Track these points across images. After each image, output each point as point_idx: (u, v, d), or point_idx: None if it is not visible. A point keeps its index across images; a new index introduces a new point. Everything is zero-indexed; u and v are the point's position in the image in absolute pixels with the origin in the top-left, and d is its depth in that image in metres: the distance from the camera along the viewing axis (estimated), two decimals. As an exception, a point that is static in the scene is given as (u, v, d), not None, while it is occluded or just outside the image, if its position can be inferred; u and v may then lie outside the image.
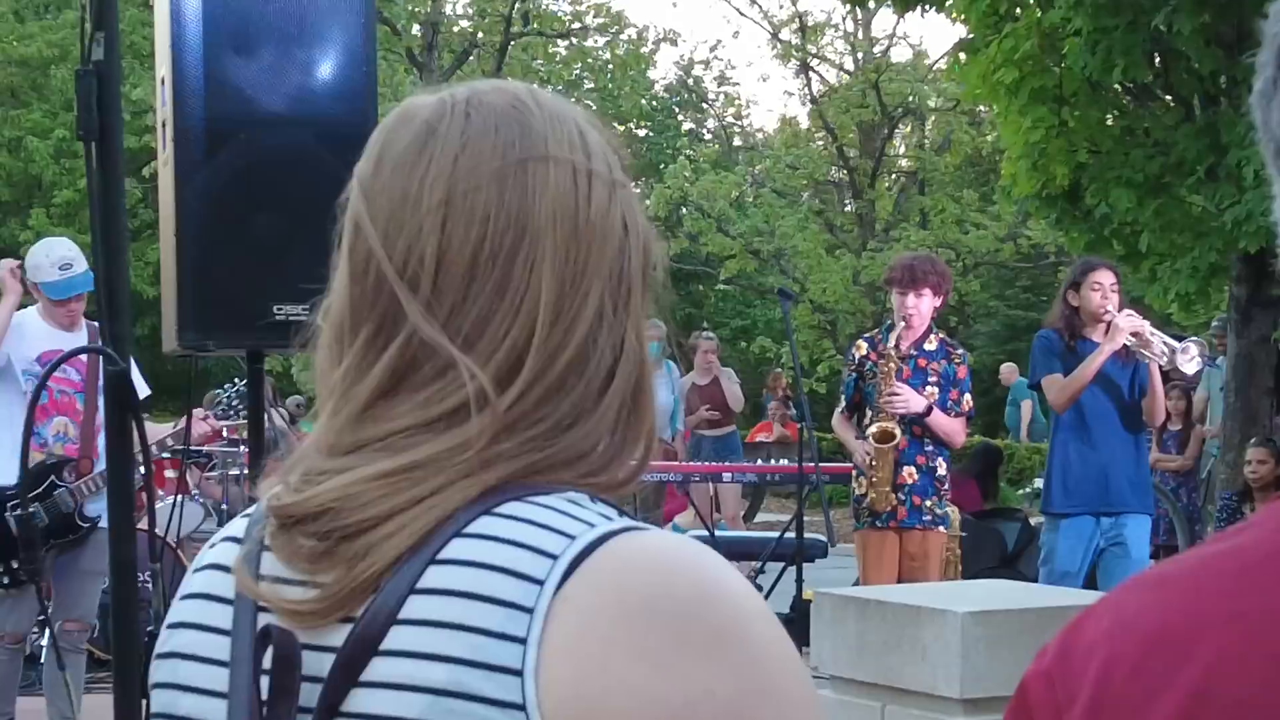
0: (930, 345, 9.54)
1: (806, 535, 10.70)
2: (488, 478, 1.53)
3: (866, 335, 10.13)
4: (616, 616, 1.44)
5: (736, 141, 40.93)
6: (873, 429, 9.36)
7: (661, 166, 33.03)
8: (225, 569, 1.66)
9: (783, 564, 11.29)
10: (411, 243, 1.58)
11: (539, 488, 1.55)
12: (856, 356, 9.75)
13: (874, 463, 9.32)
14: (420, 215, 1.58)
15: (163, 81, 5.46)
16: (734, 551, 12.50)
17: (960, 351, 9.83)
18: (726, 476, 12.99)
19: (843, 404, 9.83)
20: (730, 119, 43.14)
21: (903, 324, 9.42)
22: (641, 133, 48.14)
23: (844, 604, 5.67)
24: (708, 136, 38.96)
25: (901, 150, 33.20)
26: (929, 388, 9.46)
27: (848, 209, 29.60)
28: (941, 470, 9.54)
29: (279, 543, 1.58)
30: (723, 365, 18.27)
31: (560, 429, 1.58)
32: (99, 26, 4.47)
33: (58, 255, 8.46)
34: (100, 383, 6.83)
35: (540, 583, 1.46)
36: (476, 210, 1.58)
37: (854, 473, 9.69)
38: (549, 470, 1.57)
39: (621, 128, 43.89)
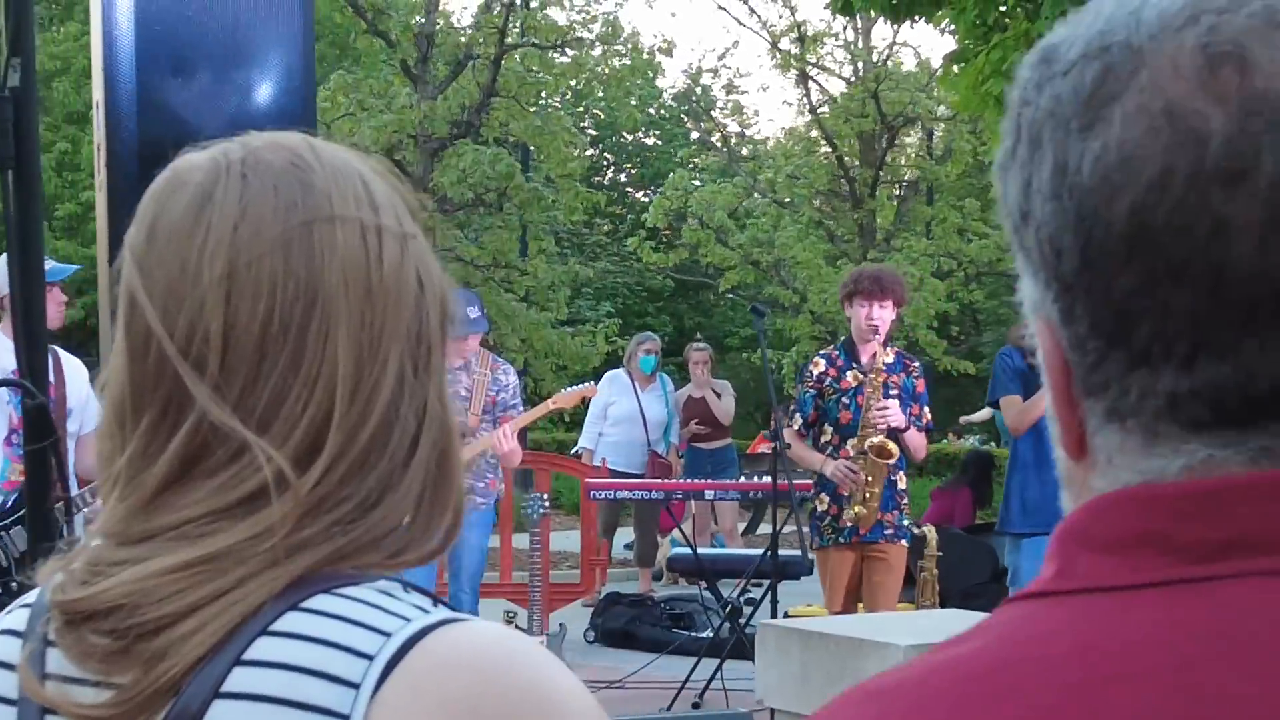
0: (888, 358, 9.50)
1: (793, 552, 10.66)
2: (293, 568, 1.43)
3: (823, 352, 10.04)
4: None
5: (745, 150, 40.83)
6: (870, 443, 9.29)
7: (670, 175, 32.97)
8: (7, 666, 1.54)
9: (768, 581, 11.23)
10: (194, 320, 1.47)
11: (348, 577, 1.45)
12: (814, 373, 9.70)
13: (869, 478, 9.27)
14: (201, 289, 1.47)
15: (97, 105, 5.39)
16: (719, 569, 12.45)
17: (917, 364, 9.85)
18: (709, 494, 12.91)
19: (799, 421, 9.74)
20: (737, 127, 43.15)
21: (875, 336, 9.35)
22: (650, 141, 48.15)
23: (787, 635, 5.60)
24: (717, 144, 38.82)
25: (902, 160, 33.18)
26: (891, 399, 9.43)
27: (849, 219, 29.48)
28: (901, 484, 9.57)
29: (67, 641, 1.46)
30: (726, 376, 18.19)
31: (365, 507, 1.48)
32: (14, 52, 4.37)
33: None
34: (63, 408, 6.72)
35: (355, 686, 1.37)
36: (262, 281, 1.47)
37: (813, 489, 9.64)
38: (356, 554, 1.47)
39: (630, 137, 44.07)
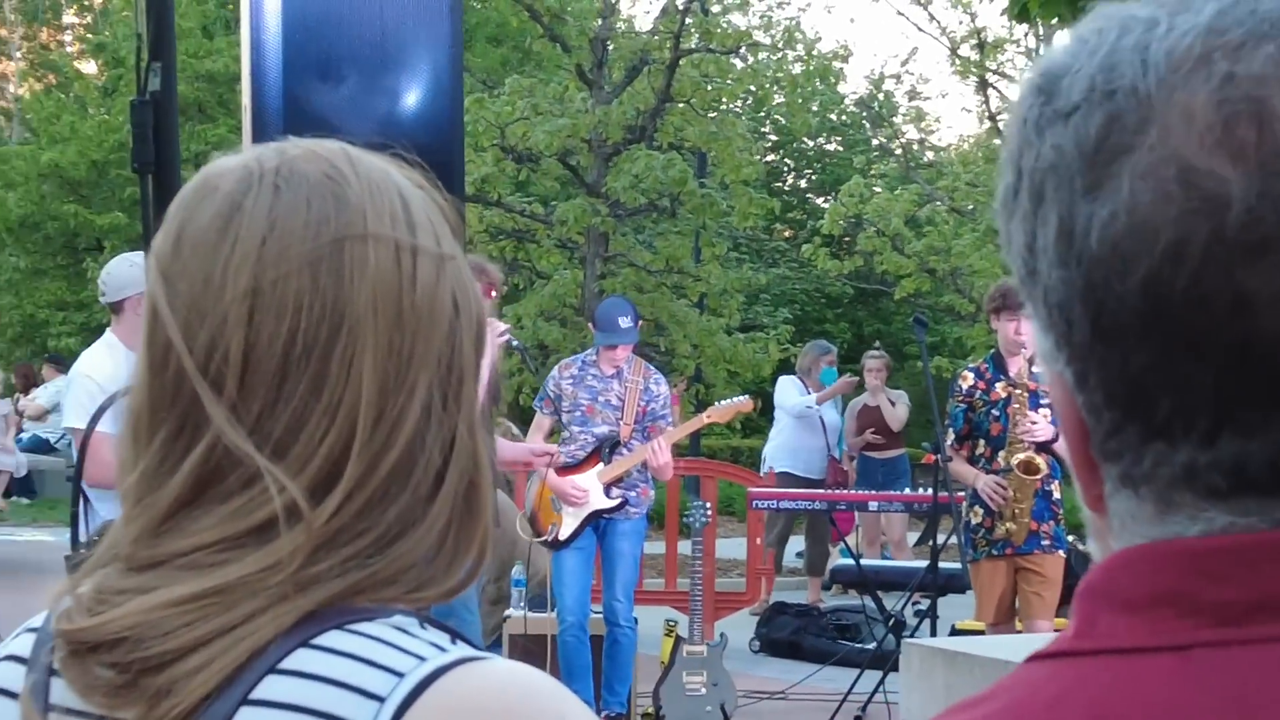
0: (1038, 368, 9.41)
1: (955, 565, 10.53)
2: (304, 603, 1.37)
3: (972, 366, 10.07)
4: None
5: (928, 155, 40.61)
6: (1016, 460, 9.24)
7: (847, 183, 32.80)
8: (10, 694, 1.49)
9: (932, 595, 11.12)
10: (215, 336, 1.41)
11: (362, 612, 1.38)
12: (964, 387, 9.70)
13: (1017, 494, 9.21)
14: (224, 305, 1.40)
15: (245, 109, 5.39)
16: (882, 581, 12.33)
17: None
18: (873, 505, 12.84)
19: (952, 436, 9.70)
20: (919, 134, 42.89)
21: (1023, 350, 9.28)
22: (830, 146, 47.97)
23: (932, 655, 5.49)
24: (897, 151, 38.57)
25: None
26: (1042, 409, 9.34)
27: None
28: (1056, 494, 9.51)
29: (72, 672, 1.40)
30: (904, 383, 18.05)
31: (384, 542, 1.41)
32: (156, 56, 4.37)
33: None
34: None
35: None
36: (287, 300, 1.40)
37: (966, 503, 9.57)
38: (372, 589, 1.40)
39: (810, 142, 43.91)
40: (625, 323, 10.16)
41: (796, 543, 17.74)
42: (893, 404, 17.29)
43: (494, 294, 9.39)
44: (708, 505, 10.93)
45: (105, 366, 7.62)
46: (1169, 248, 0.97)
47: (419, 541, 1.43)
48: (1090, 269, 1.01)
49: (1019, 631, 9.60)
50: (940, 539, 10.81)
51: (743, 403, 11.14)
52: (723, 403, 11.17)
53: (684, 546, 12.54)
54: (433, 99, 5.42)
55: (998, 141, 29.90)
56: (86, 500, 7.77)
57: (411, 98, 5.40)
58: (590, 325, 10.34)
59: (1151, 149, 0.99)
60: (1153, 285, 0.98)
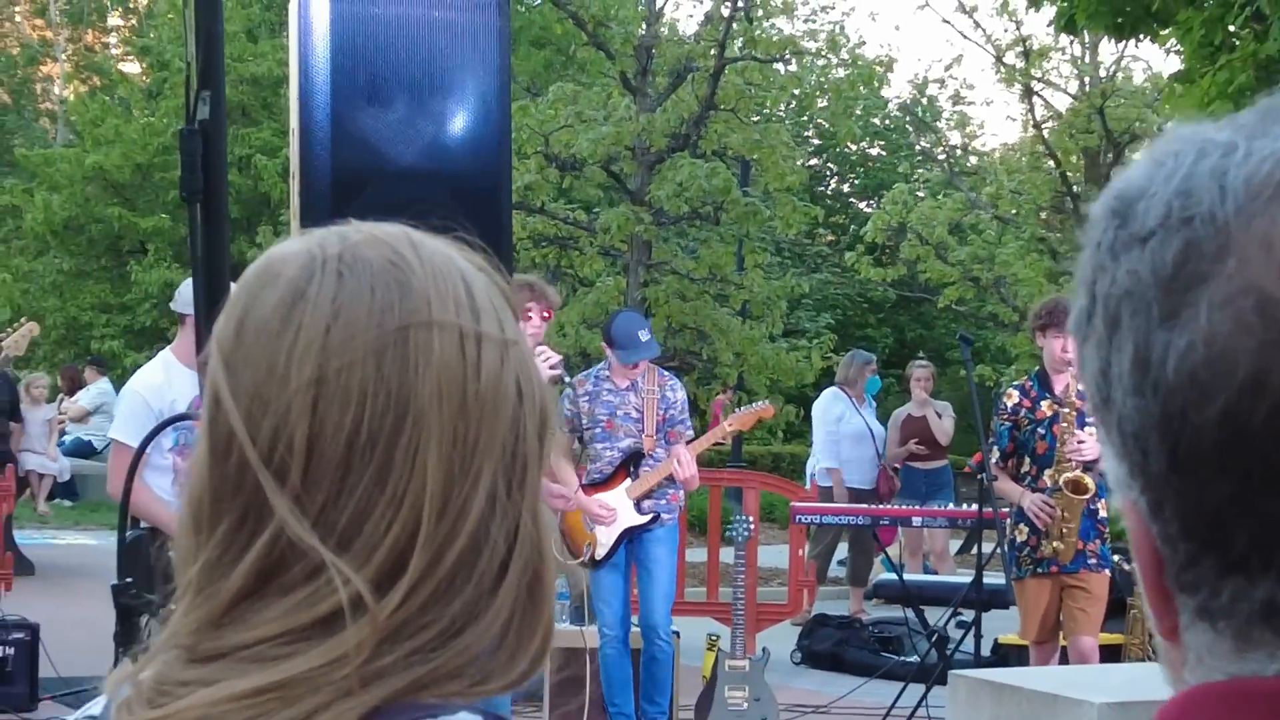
0: (1082, 385, 9.39)
1: (998, 580, 10.51)
2: (368, 698, 1.34)
3: (1017, 384, 10.04)
4: None
5: (972, 160, 40.46)
6: (1065, 478, 9.23)
7: (889, 191, 32.74)
8: None
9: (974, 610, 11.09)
10: (279, 426, 1.39)
11: (425, 709, 1.36)
12: (1009, 405, 9.68)
13: (1065, 514, 9.19)
14: (288, 394, 1.39)
15: (293, 133, 5.39)
16: (925, 596, 12.29)
17: None
18: (916, 520, 12.81)
19: (996, 455, 9.69)
20: (963, 139, 42.74)
21: (1069, 368, 9.26)
22: (874, 151, 47.92)
23: (979, 687, 5.45)
24: (940, 156, 38.49)
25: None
26: (1088, 428, 9.30)
27: (1073, 236, 29.03)
28: (1102, 512, 9.51)
29: None
30: (946, 389, 17.98)
31: (449, 635, 1.39)
32: (204, 85, 4.36)
33: None
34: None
35: None
36: (352, 390, 1.38)
37: (1010, 520, 9.54)
38: (436, 684, 1.38)
39: (854, 147, 43.83)
40: (645, 336, 10.10)
41: (839, 550, 17.68)
42: (939, 416, 17.22)
43: (550, 316, 9.37)
44: (750, 519, 10.90)
45: (155, 381, 7.68)
46: (1248, 379, 0.95)
47: (483, 634, 1.42)
48: (1167, 399, 0.99)
49: (1064, 648, 9.58)
50: (985, 549, 10.76)
51: (763, 408, 11.09)
52: (743, 410, 11.11)
53: (726, 554, 12.53)
54: (481, 123, 5.40)
55: (1041, 149, 29.86)
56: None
57: (459, 122, 5.39)
58: (606, 346, 10.20)
59: (1230, 278, 0.97)
60: (1231, 417, 0.96)
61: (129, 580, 4.65)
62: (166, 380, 7.72)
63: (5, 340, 14.72)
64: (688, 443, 10.20)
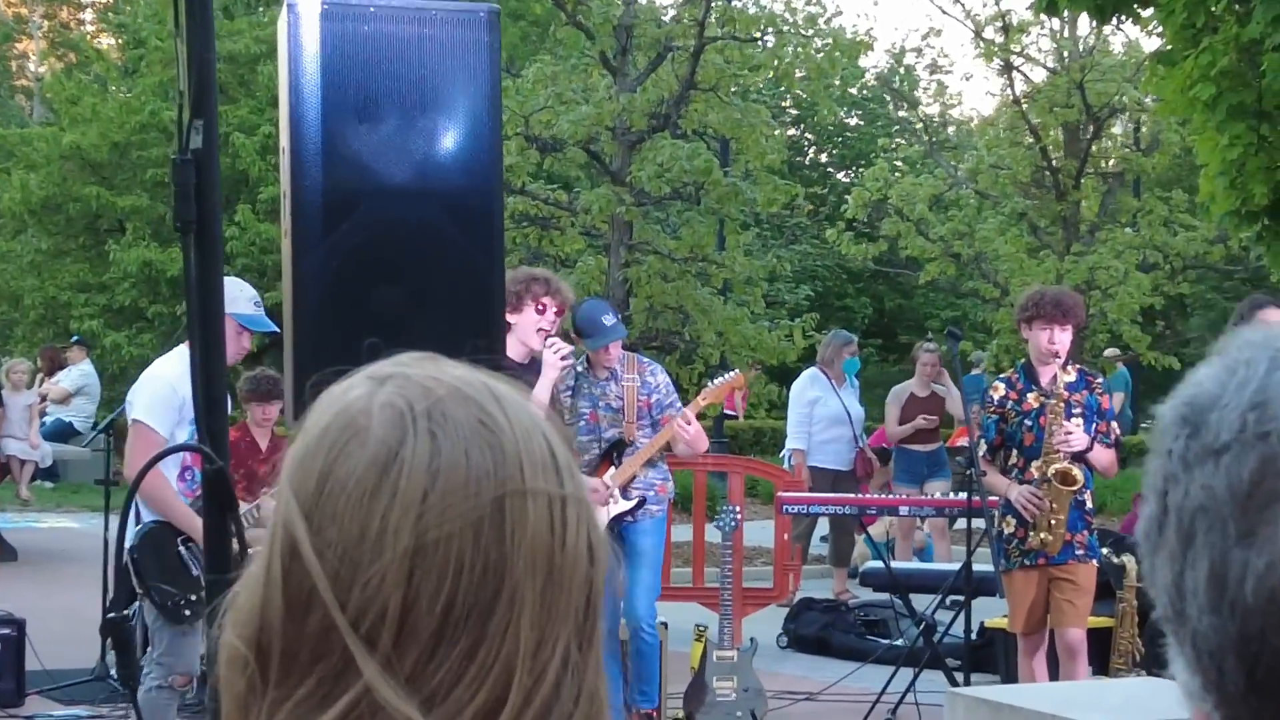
0: (1070, 377, 9.43)
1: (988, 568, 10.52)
2: None
3: (1002, 376, 10.09)
4: None
5: (950, 130, 40.44)
6: (1053, 470, 9.23)
7: (872, 157, 32.67)
8: None
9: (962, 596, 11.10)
10: (371, 594, 1.36)
11: None
12: (995, 398, 9.71)
13: (1053, 505, 9.20)
14: (383, 563, 1.36)
15: (283, 151, 5.36)
16: (913, 584, 12.29)
17: (1100, 380, 9.89)
18: (903, 510, 12.81)
19: (984, 448, 9.70)
20: (941, 108, 42.68)
21: (1056, 360, 9.27)
22: (852, 121, 47.87)
23: (977, 706, 5.45)
24: (918, 127, 38.43)
25: (1108, 150, 32.63)
26: (1074, 419, 9.35)
27: (1052, 211, 29.01)
28: (1089, 503, 9.57)
29: None
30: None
31: None
32: (198, 114, 4.33)
33: (252, 291, 8.44)
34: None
35: None
36: (449, 560, 1.37)
37: (998, 511, 9.53)
38: None
39: (831, 117, 43.79)
40: (609, 320, 10.07)
41: (820, 526, 17.56)
42: (948, 391, 17.12)
43: (563, 312, 9.36)
44: (736, 509, 10.88)
45: (178, 371, 7.82)
46: None
47: None
48: (1245, 619, 0.97)
49: (1050, 637, 9.59)
50: (971, 545, 10.77)
51: (733, 378, 11.02)
52: (713, 382, 11.05)
53: (711, 533, 12.49)
54: (472, 141, 5.38)
55: (1021, 123, 29.81)
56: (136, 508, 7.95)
57: (450, 140, 5.36)
58: (575, 336, 10.15)
59: None
60: None
61: (126, 613, 4.66)
62: (185, 374, 7.83)
63: None
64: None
